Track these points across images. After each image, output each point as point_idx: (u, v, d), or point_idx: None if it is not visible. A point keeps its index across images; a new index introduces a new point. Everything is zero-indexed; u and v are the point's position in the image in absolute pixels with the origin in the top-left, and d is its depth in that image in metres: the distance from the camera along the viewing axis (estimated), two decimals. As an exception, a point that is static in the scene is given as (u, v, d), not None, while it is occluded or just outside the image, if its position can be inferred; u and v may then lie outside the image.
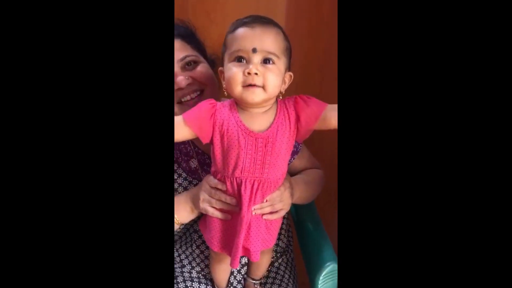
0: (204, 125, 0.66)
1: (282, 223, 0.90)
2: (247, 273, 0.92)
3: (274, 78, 0.62)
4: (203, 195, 0.73)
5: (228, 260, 0.84)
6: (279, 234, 0.91)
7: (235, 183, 0.69)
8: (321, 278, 0.87)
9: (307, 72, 1.11)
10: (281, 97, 0.69)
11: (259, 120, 0.67)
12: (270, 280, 0.95)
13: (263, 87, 0.62)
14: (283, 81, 0.67)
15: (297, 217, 1.07)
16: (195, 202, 0.77)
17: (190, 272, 0.93)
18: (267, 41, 0.61)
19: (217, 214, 0.73)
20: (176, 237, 0.95)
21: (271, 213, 0.73)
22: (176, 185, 0.88)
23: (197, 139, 0.69)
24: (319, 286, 0.87)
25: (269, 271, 0.96)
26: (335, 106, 0.65)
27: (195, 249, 0.92)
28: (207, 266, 0.92)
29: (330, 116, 0.65)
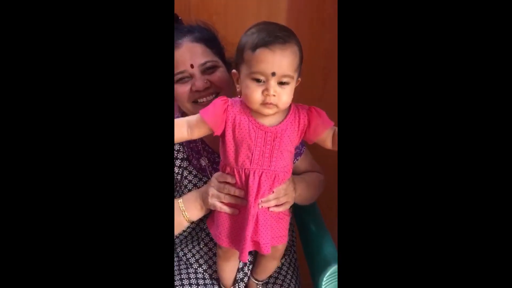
0: (218, 120, 0.71)
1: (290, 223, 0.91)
2: (251, 273, 0.93)
3: (287, 97, 0.68)
4: (212, 191, 0.76)
5: (235, 258, 0.86)
6: None
7: (243, 174, 0.72)
8: (324, 279, 0.87)
9: (309, 73, 1.10)
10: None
11: (270, 117, 0.71)
12: (272, 280, 0.96)
13: (277, 105, 0.67)
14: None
15: (299, 219, 1.07)
16: (204, 198, 0.79)
17: (196, 271, 0.94)
18: (285, 64, 0.65)
19: (225, 208, 0.76)
20: (182, 236, 0.97)
21: (276, 206, 0.76)
22: (186, 182, 0.90)
23: (207, 138, 0.74)
24: (323, 287, 0.88)
25: (272, 270, 0.96)
26: (336, 129, 0.73)
27: (202, 247, 0.93)
28: (214, 263, 0.93)
29: (328, 136, 0.73)
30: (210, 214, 0.82)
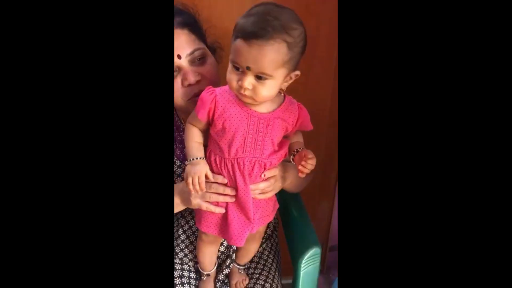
0: (209, 113, 0.69)
1: None
2: (235, 258, 0.93)
3: (265, 92, 0.64)
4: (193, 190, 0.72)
5: (217, 242, 0.86)
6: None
7: (235, 163, 0.70)
8: (303, 261, 0.89)
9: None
10: (282, 94, 0.72)
11: (263, 104, 0.69)
12: (253, 265, 0.97)
13: (253, 98, 0.65)
14: (289, 79, 0.68)
15: (282, 204, 1.08)
16: (184, 197, 0.76)
17: (174, 257, 0.94)
18: (262, 62, 0.60)
19: (212, 208, 0.74)
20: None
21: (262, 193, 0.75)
22: (180, 180, 0.87)
23: None
24: (302, 269, 0.89)
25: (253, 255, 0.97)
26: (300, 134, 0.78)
27: (181, 234, 0.93)
28: (191, 251, 0.93)
29: (298, 135, 0.78)
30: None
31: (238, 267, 0.93)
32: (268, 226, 1.00)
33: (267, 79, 0.63)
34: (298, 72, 0.67)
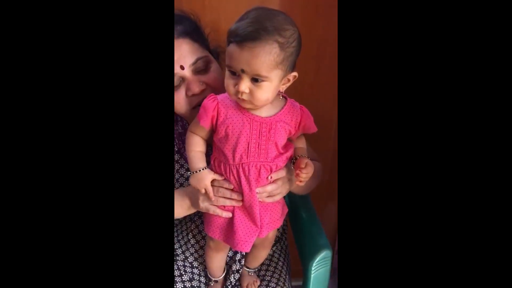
0: (212, 120, 0.69)
1: None
2: (244, 262, 0.93)
3: (262, 95, 0.64)
4: (203, 194, 0.73)
5: (226, 249, 0.86)
6: None
7: (240, 169, 0.70)
8: (314, 264, 0.88)
9: (302, 62, 1.10)
10: (281, 97, 0.72)
11: (264, 108, 0.69)
12: (264, 268, 0.97)
13: (251, 102, 0.65)
14: (286, 81, 0.68)
15: (291, 206, 1.08)
16: (193, 200, 0.76)
17: (184, 261, 0.94)
18: (255, 63, 0.60)
19: (219, 212, 0.74)
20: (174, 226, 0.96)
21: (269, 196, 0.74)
22: (177, 176, 0.88)
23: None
24: (312, 272, 0.89)
25: (263, 258, 0.97)
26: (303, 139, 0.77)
27: (190, 238, 0.93)
28: (201, 256, 0.93)
29: (301, 140, 0.77)
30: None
31: (248, 270, 0.93)
32: (277, 229, 1.00)
33: (263, 81, 0.62)
34: (295, 74, 0.67)
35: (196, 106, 0.77)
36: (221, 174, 0.72)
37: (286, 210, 0.82)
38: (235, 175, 0.71)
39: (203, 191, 0.71)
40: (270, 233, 0.82)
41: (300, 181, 0.70)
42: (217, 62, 0.81)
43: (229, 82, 0.65)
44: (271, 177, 0.72)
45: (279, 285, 0.92)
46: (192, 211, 0.80)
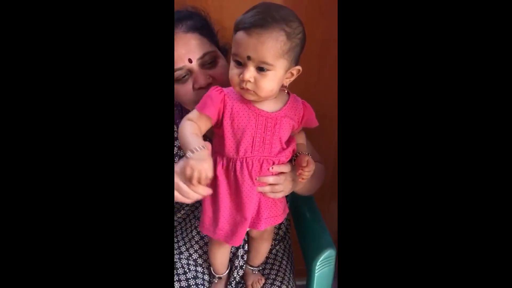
0: (219, 112, 0.69)
1: None
2: (247, 260, 0.93)
3: (267, 85, 0.64)
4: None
5: (228, 245, 0.86)
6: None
7: (244, 163, 0.70)
8: (318, 263, 0.88)
9: (305, 61, 1.10)
10: (286, 90, 0.72)
11: (269, 103, 0.70)
12: (268, 267, 0.97)
13: (255, 92, 0.65)
14: (290, 75, 0.68)
15: (294, 205, 1.08)
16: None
17: (188, 259, 0.94)
18: (262, 50, 0.61)
19: (185, 189, 0.63)
20: (176, 223, 0.96)
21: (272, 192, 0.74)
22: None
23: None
24: (316, 271, 0.89)
25: (267, 257, 0.97)
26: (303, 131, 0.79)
27: (195, 234, 0.93)
28: (205, 252, 0.93)
29: (301, 135, 0.78)
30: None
31: (252, 268, 0.93)
32: (280, 228, 1.00)
33: (268, 70, 0.63)
34: (299, 68, 0.68)
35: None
36: (222, 170, 0.72)
37: (287, 210, 0.82)
38: (238, 170, 0.70)
39: (196, 175, 0.59)
40: (269, 227, 0.82)
41: (303, 179, 0.71)
42: (225, 58, 0.83)
43: (233, 72, 0.65)
44: (272, 168, 0.72)
45: (284, 284, 0.92)
46: None
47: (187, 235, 0.95)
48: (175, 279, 0.88)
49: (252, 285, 0.91)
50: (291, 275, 0.96)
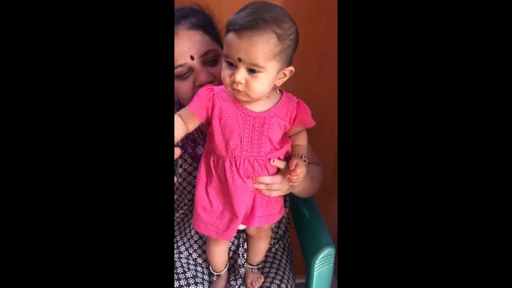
0: (207, 111, 0.69)
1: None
2: (246, 260, 0.93)
3: (258, 86, 0.64)
4: None
5: (226, 242, 0.86)
6: (279, 221, 0.92)
7: (233, 162, 0.71)
8: (317, 261, 0.88)
9: (306, 58, 1.11)
10: (277, 91, 0.72)
11: (258, 103, 0.69)
12: (267, 265, 0.97)
13: (246, 93, 0.65)
14: (283, 75, 0.68)
15: (293, 204, 1.08)
16: None
17: (187, 258, 0.94)
18: (252, 52, 0.61)
19: None
20: (174, 222, 0.97)
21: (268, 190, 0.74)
22: (180, 170, 0.89)
23: (204, 126, 0.70)
24: (315, 269, 0.89)
25: (266, 256, 0.97)
26: (305, 132, 0.76)
27: (194, 234, 0.94)
28: (204, 252, 0.94)
29: (302, 134, 0.76)
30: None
31: (251, 267, 0.93)
32: (279, 226, 1.00)
33: (259, 72, 0.63)
34: (292, 68, 0.67)
35: None
36: (214, 167, 0.73)
37: (284, 211, 0.83)
38: (228, 168, 0.71)
39: None
40: (266, 225, 0.82)
41: (293, 182, 0.71)
42: None
43: (225, 73, 0.65)
44: (273, 161, 0.72)
45: (283, 282, 0.92)
46: None
47: (185, 235, 0.95)
48: (174, 279, 0.88)
49: (251, 284, 0.91)
50: (291, 273, 0.96)
